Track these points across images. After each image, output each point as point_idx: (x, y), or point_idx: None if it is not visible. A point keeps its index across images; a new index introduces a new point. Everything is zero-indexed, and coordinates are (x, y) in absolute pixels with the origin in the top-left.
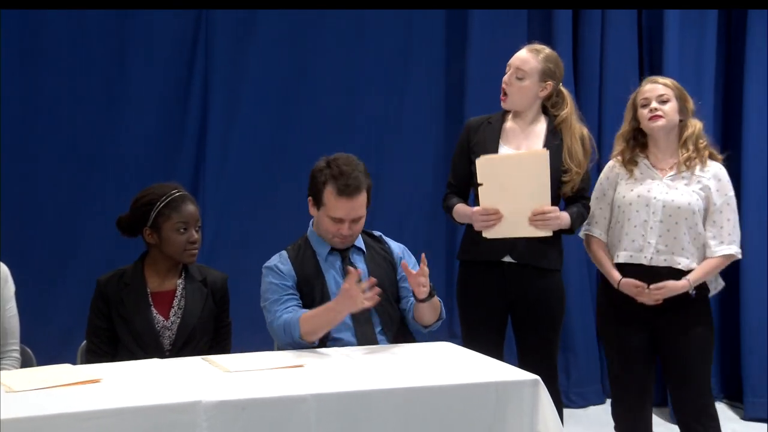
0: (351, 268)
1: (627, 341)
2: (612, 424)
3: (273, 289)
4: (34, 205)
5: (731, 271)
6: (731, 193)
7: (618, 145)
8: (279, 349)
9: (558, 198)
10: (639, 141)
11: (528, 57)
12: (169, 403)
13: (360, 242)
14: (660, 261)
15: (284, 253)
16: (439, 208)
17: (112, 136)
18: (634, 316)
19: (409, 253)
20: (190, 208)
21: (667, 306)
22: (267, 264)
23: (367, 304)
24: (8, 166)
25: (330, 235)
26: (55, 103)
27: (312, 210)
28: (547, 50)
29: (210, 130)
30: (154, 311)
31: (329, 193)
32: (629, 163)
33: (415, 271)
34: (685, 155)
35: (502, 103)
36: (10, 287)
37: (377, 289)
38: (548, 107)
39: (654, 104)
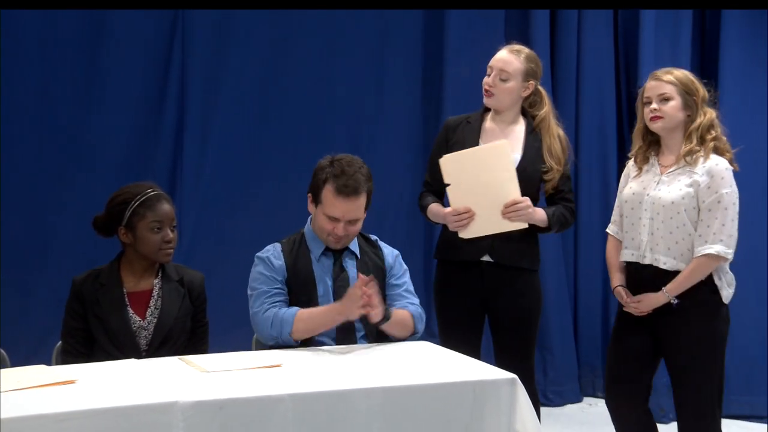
0: (362, 276)
1: (627, 342)
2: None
3: (262, 280)
4: (8, 204)
5: None
6: (726, 190)
7: (635, 143)
8: (257, 344)
9: (537, 199)
10: (653, 137)
11: (510, 58)
12: (146, 403)
13: (355, 246)
14: (650, 260)
15: (278, 245)
16: (417, 206)
17: (89, 135)
18: (637, 318)
19: (401, 261)
20: (165, 207)
21: (669, 309)
22: (260, 254)
23: (364, 312)
24: None
25: (325, 234)
26: (31, 102)
27: (310, 207)
28: (526, 50)
29: (187, 129)
30: (131, 311)
31: (328, 191)
32: (642, 161)
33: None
34: (686, 148)
35: (485, 100)
36: None
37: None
38: (525, 107)
39: (654, 104)
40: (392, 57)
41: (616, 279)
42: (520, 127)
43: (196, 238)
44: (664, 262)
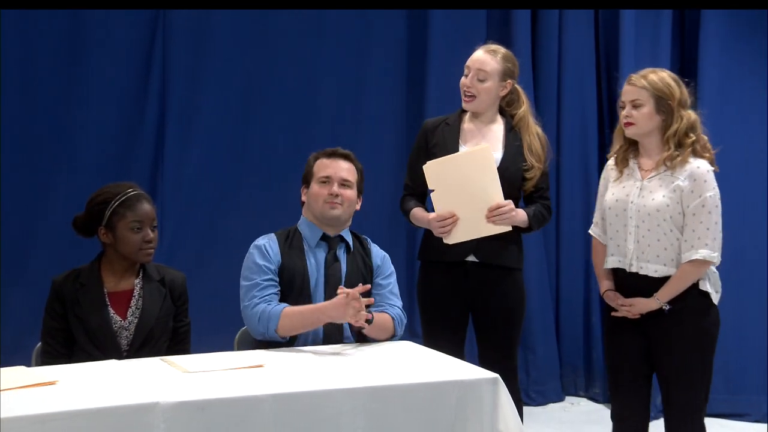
0: (361, 285)
1: (621, 344)
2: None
3: (255, 270)
4: None
5: None
6: (710, 193)
7: (615, 142)
8: (239, 344)
9: (519, 198)
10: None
11: (487, 58)
12: (127, 404)
13: (348, 236)
14: (636, 268)
15: (273, 235)
16: (399, 207)
17: (70, 135)
18: (629, 320)
19: (389, 263)
20: (145, 206)
21: (660, 312)
22: (256, 243)
23: (351, 321)
24: None
25: (321, 201)
26: (10, 102)
27: (304, 195)
28: (502, 50)
29: (168, 129)
30: (111, 311)
31: (317, 163)
32: (621, 163)
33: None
34: (665, 154)
35: (464, 105)
36: None
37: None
38: (503, 106)
39: (626, 110)
40: (375, 58)
41: (605, 284)
42: (498, 127)
43: (178, 238)
44: (655, 270)
